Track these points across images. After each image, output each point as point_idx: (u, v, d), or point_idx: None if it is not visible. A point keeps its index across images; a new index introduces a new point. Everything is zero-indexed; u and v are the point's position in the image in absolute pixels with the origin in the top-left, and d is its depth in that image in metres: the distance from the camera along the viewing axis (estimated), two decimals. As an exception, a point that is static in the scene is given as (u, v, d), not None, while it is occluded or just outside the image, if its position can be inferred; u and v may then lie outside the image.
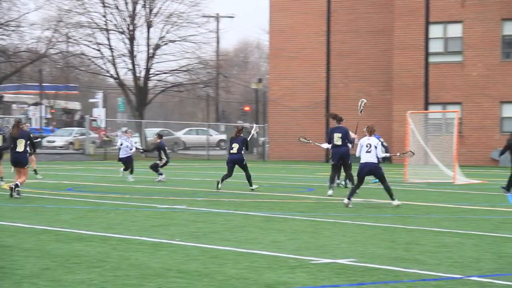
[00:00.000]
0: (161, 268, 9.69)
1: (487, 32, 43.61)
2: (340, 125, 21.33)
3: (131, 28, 56.36)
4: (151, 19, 56.52)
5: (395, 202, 17.65)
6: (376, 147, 17.83)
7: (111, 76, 59.06)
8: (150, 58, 56.87)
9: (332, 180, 21.30)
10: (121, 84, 57.85)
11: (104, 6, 56.05)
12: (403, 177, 27.27)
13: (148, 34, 56.82)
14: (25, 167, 19.70)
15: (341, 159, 21.15)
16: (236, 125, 25.14)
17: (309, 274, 9.38)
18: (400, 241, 12.22)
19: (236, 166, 22.72)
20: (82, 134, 57.53)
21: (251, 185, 22.76)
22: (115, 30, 56.54)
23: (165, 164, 26.98)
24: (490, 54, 43.63)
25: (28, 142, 19.77)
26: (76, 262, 10.13)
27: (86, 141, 53.30)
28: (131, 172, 27.09)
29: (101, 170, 35.00)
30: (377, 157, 17.77)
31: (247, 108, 75.86)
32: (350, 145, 21.24)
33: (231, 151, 22.92)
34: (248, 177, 22.73)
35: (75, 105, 76.34)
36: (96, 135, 60.32)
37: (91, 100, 79.61)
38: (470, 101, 43.67)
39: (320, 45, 49.80)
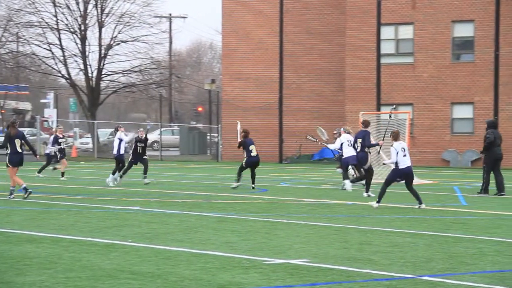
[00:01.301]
0: (113, 270, 9.62)
1: (438, 34, 44.09)
2: (365, 129, 21.80)
3: (82, 28, 55.90)
4: (102, 19, 56.15)
5: (422, 206, 17.79)
6: (408, 150, 18.00)
7: (63, 76, 58.52)
8: (102, 58, 56.47)
9: (364, 183, 21.66)
10: (72, 84, 57.34)
11: (55, 6, 55.51)
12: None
13: (100, 34, 56.42)
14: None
15: (358, 162, 21.89)
16: (243, 129, 24.91)
17: (263, 275, 9.39)
18: (353, 241, 12.29)
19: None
20: (33, 135, 56.92)
21: (253, 183, 24.01)
22: (66, 30, 56.03)
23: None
24: (440, 56, 44.11)
25: (22, 141, 19.66)
26: (27, 263, 10.01)
27: (37, 142, 52.72)
28: (119, 172, 25.38)
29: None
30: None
31: (200, 109, 75.73)
32: (366, 149, 21.65)
33: (252, 154, 23.93)
34: (253, 177, 24.10)
35: (26, 105, 75.47)
36: (47, 136, 59.68)
37: (42, 101, 78.73)
38: (421, 102, 44.10)
39: (273, 46, 49.92)
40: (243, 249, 11.39)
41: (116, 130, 26.17)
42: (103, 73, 57.04)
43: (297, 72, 49.33)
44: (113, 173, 25.15)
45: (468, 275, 9.57)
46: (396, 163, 17.68)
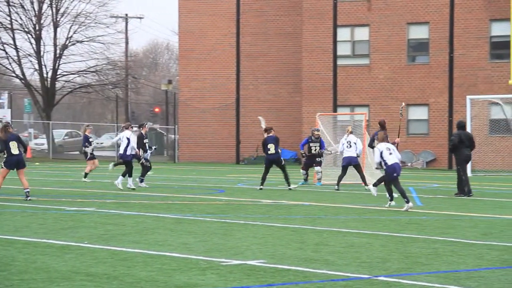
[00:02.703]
0: (68, 271, 9.54)
1: (393, 36, 44.46)
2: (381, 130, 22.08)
3: (37, 27, 55.38)
4: (57, 19, 55.66)
5: (409, 204, 17.86)
6: (395, 150, 18.18)
7: (17, 77, 57.93)
8: (57, 58, 55.99)
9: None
10: (27, 84, 56.78)
11: (9, 5, 54.93)
12: (313, 179, 27.54)
13: (55, 34, 55.97)
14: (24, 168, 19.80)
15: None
16: (265, 127, 24.64)
17: (220, 276, 9.38)
18: (309, 242, 12.33)
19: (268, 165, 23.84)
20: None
21: (289, 185, 23.55)
22: (20, 30, 55.47)
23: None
24: (396, 57, 44.49)
25: (19, 144, 19.53)
26: (-20, 266, 9.89)
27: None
28: (129, 174, 23.93)
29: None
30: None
31: (157, 110, 75.48)
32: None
33: (269, 152, 23.62)
34: (286, 177, 23.62)
35: (-21, 106, 74.57)
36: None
37: (-4, 101, 77.86)
38: (377, 103, 44.44)
39: (230, 47, 49.95)
40: (200, 250, 11.37)
41: (126, 128, 24.37)
42: (58, 73, 56.57)
43: (254, 73, 49.41)
44: (123, 175, 23.54)
45: (423, 275, 9.65)
46: (385, 162, 17.96)
